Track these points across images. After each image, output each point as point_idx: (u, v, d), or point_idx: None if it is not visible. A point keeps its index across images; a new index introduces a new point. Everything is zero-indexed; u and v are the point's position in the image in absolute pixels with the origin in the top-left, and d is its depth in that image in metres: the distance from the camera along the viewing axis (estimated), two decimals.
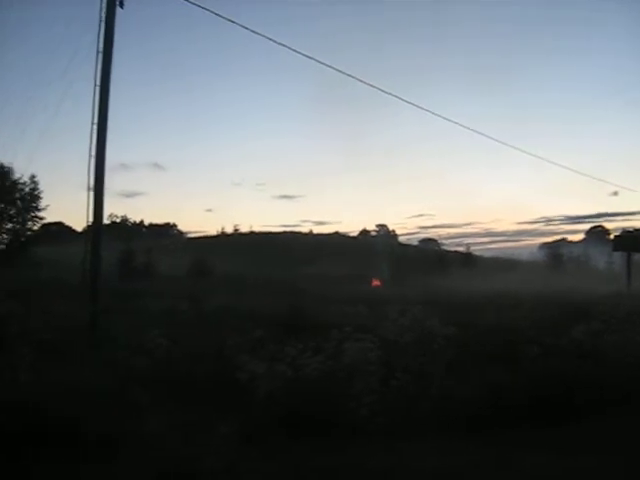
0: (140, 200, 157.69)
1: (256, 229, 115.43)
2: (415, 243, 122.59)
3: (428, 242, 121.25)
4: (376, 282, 52.65)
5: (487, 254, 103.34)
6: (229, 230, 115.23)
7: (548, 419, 8.62)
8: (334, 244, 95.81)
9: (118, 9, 15.03)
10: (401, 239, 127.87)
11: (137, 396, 9.25)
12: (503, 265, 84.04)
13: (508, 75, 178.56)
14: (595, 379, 9.71)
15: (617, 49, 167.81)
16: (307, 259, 73.45)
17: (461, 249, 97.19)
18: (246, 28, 16.54)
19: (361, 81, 19.83)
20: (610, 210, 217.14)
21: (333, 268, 62.81)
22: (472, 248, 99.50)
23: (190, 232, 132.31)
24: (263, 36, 16.84)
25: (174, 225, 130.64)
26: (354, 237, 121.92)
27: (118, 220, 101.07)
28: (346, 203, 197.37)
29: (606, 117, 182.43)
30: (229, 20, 16.11)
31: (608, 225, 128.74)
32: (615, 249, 54.18)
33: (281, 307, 20.08)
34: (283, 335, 12.63)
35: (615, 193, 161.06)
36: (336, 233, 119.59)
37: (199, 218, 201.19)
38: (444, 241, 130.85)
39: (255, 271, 51.87)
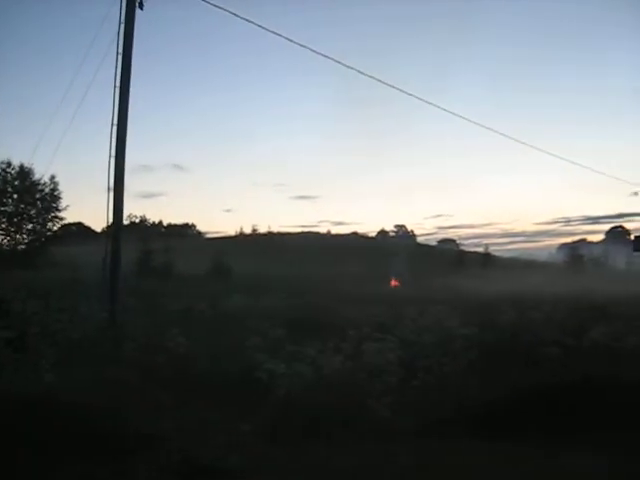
0: (160, 200, 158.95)
1: (274, 229, 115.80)
2: (434, 243, 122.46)
3: (447, 242, 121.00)
4: (395, 282, 52.54)
5: (506, 255, 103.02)
6: (247, 230, 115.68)
7: (568, 421, 8.57)
8: (352, 244, 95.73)
9: (138, 10, 15.08)
10: (420, 239, 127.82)
11: (158, 395, 9.31)
12: (522, 266, 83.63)
13: (529, 75, 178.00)
14: (617, 382, 9.63)
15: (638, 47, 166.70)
16: (325, 259, 73.41)
17: (480, 249, 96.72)
18: (265, 29, 16.57)
19: (381, 82, 19.80)
20: (630, 210, 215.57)
21: (351, 268, 62.71)
22: (491, 249, 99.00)
23: (209, 232, 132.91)
24: (283, 37, 16.87)
25: (193, 225, 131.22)
26: (372, 237, 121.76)
27: (137, 220, 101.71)
28: (364, 203, 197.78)
29: (627, 116, 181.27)
30: (247, 20, 16.16)
31: (628, 225, 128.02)
32: (635, 249, 53.54)
33: (300, 307, 20.10)
34: (302, 335, 12.64)
35: (635, 193, 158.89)
36: (354, 233, 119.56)
37: (218, 218, 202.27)
38: (463, 241, 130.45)
39: (273, 271, 51.91)
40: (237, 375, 10.32)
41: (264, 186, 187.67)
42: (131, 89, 15.33)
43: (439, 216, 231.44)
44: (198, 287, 33.15)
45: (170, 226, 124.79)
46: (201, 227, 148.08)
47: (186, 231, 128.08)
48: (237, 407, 9.26)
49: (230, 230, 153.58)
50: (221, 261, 54.08)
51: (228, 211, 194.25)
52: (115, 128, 15.14)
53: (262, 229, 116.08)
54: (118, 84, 15.14)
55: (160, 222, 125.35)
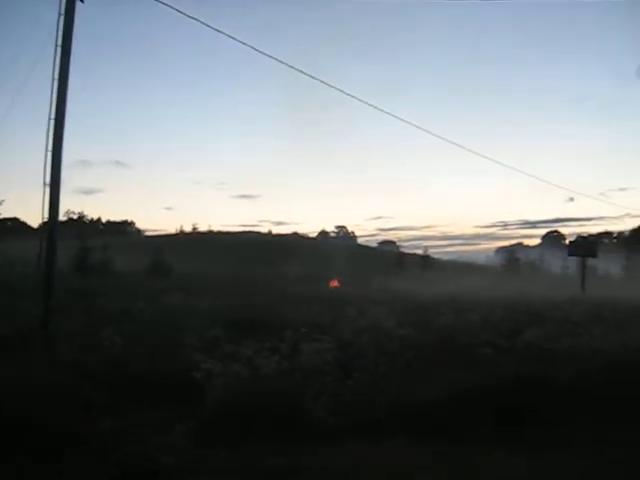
0: (99, 197, 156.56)
1: (215, 228, 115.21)
2: (374, 245, 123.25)
3: (387, 244, 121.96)
4: (334, 283, 52.67)
5: (445, 257, 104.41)
6: (188, 229, 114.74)
7: (505, 420, 8.72)
8: (293, 244, 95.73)
9: (78, 3, 14.80)
10: (360, 241, 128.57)
11: (92, 395, 9.16)
12: (460, 268, 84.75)
13: (472, 79, 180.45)
14: (549, 382, 9.84)
15: (582, 57, 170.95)
16: (266, 259, 73.30)
17: (419, 252, 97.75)
18: (208, 25, 16.42)
19: (322, 81, 19.83)
20: (566, 215, 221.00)
21: (291, 268, 62.68)
22: (430, 251, 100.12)
23: (148, 230, 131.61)
24: (225, 34, 16.74)
25: (132, 223, 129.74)
26: (313, 238, 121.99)
27: (75, 217, 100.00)
28: (305, 204, 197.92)
29: (565, 124, 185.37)
30: (192, 18, 15.98)
31: (564, 230, 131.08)
32: (570, 254, 54.82)
33: (239, 307, 20.01)
34: (240, 335, 12.60)
35: (571, 199, 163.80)
36: (295, 233, 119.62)
37: (158, 216, 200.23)
38: (403, 243, 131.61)
39: (213, 270, 51.59)
40: (173, 375, 10.22)
41: (205, 184, 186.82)
42: (71, 83, 15.04)
43: (380, 218, 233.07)
44: (136, 285, 32.70)
45: (109, 223, 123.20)
46: (141, 225, 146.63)
47: (125, 228, 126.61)
48: (173, 407, 9.18)
49: (170, 228, 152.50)
50: (160, 259, 53.46)
51: (168, 209, 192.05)
52: (52, 122, 14.83)
53: (202, 228, 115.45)
54: (57, 76, 14.82)
55: (99, 219, 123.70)
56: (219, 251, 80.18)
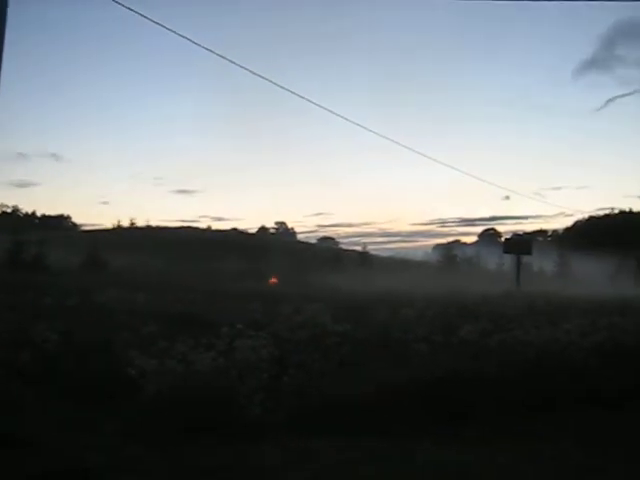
0: (34, 190, 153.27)
1: (153, 223, 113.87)
2: (313, 241, 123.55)
3: (326, 240, 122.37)
4: (273, 279, 52.69)
5: (383, 254, 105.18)
6: (125, 224, 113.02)
7: (439, 415, 8.82)
8: (232, 240, 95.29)
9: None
10: (300, 237, 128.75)
11: (21, 393, 8.96)
12: (398, 265, 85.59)
13: (413, 79, 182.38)
14: (482, 377, 9.99)
15: (519, 57, 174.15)
16: (204, 255, 72.83)
17: (358, 248, 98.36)
18: (145, 17, 16.13)
19: (259, 75, 19.72)
20: (502, 214, 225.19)
21: (230, 264, 62.47)
22: (369, 247, 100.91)
23: (85, 225, 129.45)
24: (165, 27, 16.48)
25: (68, 217, 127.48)
26: (253, 234, 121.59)
27: (9, 210, 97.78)
28: (246, 200, 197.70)
29: (502, 124, 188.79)
30: (130, 9, 15.67)
31: (500, 228, 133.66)
32: (505, 251, 55.98)
33: (175, 303, 19.85)
34: (175, 331, 12.48)
35: (507, 197, 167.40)
36: (234, 229, 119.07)
37: (95, 211, 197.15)
38: (342, 240, 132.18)
39: (150, 266, 51.06)
40: (107, 372, 10.06)
41: (143, 179, 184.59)
42: (6, 74, 14.64)
43: (319, 214, 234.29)
44: (71, 281, 32.17)
45: (44, 217, 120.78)
46: (77, 219, 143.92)
47: (61, 223, 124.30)
48: (105, 405, 9.05)
49: (107, 223, 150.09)
50: (96, 255, 52.70)
51: (105, 203, 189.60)
52: None
53: (140, 223, 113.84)
54: None
55: (34, 213, 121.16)
56: (157, 247, 79.33)
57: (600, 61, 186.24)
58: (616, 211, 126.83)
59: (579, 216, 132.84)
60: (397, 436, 8.09)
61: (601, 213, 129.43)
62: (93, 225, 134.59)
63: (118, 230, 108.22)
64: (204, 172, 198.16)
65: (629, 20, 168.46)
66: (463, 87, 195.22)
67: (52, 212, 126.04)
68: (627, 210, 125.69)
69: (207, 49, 16.91)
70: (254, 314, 17.05)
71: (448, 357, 11.13)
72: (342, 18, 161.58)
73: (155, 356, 9.18)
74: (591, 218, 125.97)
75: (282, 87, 19.80)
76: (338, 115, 23.49)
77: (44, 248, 49.19)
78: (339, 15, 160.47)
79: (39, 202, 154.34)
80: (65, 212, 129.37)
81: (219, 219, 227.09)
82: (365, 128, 28.33)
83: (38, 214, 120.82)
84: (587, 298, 27.39)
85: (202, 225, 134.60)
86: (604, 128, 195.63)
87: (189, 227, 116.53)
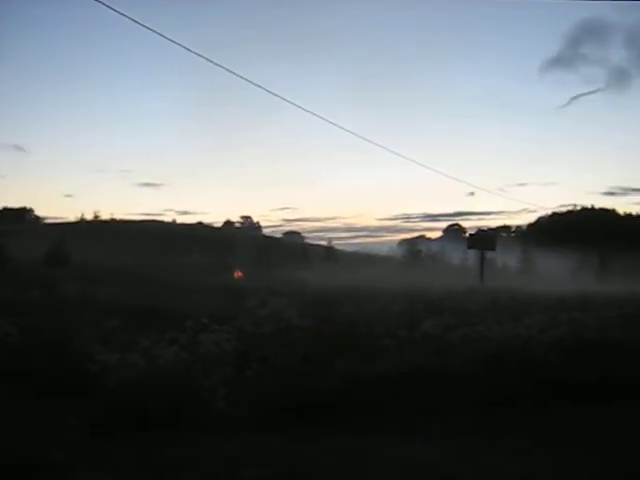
0: None
1: (118, 217, 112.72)
2: (279, 235, 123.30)
3: (292, 235, 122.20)
4: (239, 273, 52.54)
5: (349, 249, 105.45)
6: (89, 217, 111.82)
7: (402, 409, 8.88)
8: (197, 234, 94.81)
9: None
10: (265, 231, 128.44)
11: None
12: (363, 260, 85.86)
13: (379, 75, 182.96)
14: (445, 371, 10.07)
15: (485, 55, 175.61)
16: (169, 248, 72.39)
17: (324, 243, 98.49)
18: (110, 8, 15.98)
19: (228, 70, 19.62)
20: (467, 210, 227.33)
21: (195, 258, 62.21)
22: (334, 242, 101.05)
23: (48, 218, 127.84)
24: (130, 18, 16.32)
25: (31, 210, 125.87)
26: (218, 228, 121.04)
27: None
28: (211, 194, 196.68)
29: (466, 121, 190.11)
30: (97, 1, 15.49)
31: (464, 224, 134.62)
32: (470, 247, 56.37)
33: (139, 297, 19.71)
34: (139, 325, 12.41)
35: (472, 193, 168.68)
36: (200, 223, 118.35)
37: (58, 203, 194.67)
38: (307, 234, 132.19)
39: (114, 259, 50.63)
40: (68, 367, 9.96)
41: (107, 172, 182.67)
42: None
43: (285, 209, 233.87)
44: (33, 274, 31.77)
45: (6, 210, 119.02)
46: (40, 212, 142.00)
47: (24, 215, 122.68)
48: (66, 401, 8.97)
49: (71, 216, 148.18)
50: (59, 248, 52.09)
51: (69, 196, 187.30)
52: None
53: (105, 216, 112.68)
54: None
55: None
56: (121, 240, 78.64)
57: (565, 59, 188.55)
58: (579, 208, 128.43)
59: (542, 212, 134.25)
60: (360, 431, 8.13)
61: (564, 210, 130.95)
62: (57, 218, 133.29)
63: (82, 223, 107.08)
64: (170, 166, 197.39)
65: (593, 19, 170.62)
66: (430, 85, 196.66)
67: (15, 205, 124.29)
68: (590, 207, 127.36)
69: (182, 46, 16.81)
70: (218, 308, 17.01)
71: (412, 352, 11.18)
72: (316, 18, 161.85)
73: (118, 350, 9.11)
74: (554, 214, 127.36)
75: (250, 82, 19.76)
76: (305, 110, 23.52)
77: (6, 241, 48.53)
78: (313, 15, 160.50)
79: (1, 194, 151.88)
80: (28, 205, 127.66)
81: (185, 213, 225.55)
82: (333, 123, 28.40)
83: (0, 207, 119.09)
84: (549, 294, 27.69)
85: (167, 219, 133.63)
86: (568, 125, 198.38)
87: (154, 220, 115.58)
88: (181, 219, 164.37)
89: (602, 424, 8.64)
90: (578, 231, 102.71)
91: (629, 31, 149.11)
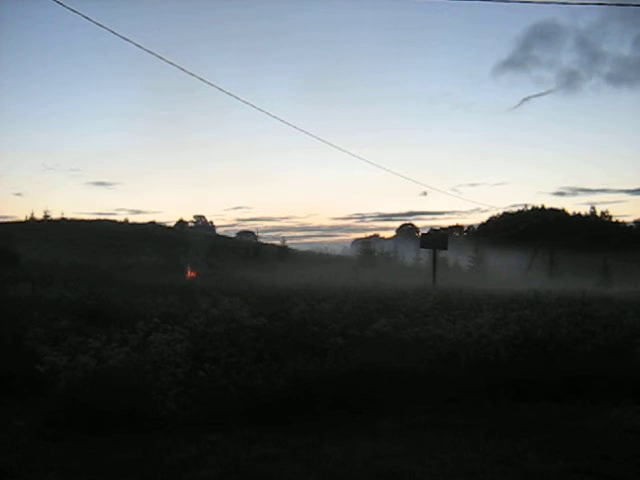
0: None
1: (69, 216, 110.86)
2: (233, 235, 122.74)
3: (245, 234, 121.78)
4: (191, 273, 52.25)
5: (302, 248, 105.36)
6: (39, 216, 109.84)
7: (352, 407, 8.93)
8: (150, 234, 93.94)
9: None
10: (219, 231, 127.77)
11: None
12: (317, 259, 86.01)
13: (332, 76, 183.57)
14: (395, 370, 10.16)
15: (439, 57, 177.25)
16: (121, 248, 71.59)
17: (277, 242, 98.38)
18: (61, 4, 15.75)
19: (181, 68, 19.51)
20: (420, 209, 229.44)
21: (148, 258, 61.65)
22: (288, 241, 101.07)
23: None
24: (80, 14, 16.10)
25: None
26: (171, 227, 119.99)
27: None
28: (164, 193, 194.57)
29: (420, 121, 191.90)
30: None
31: (417, 223, 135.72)
32: (422, 246, 56.72)
33: (90, 297, 19.45)
34: (89, 326, 12.27)
35: (425, 193, 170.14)
36: (152, 222, 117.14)
37: (7, 202, 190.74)
38: (261, 234, 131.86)
39: (65, 259, 49.89)
40: (16, 368, 9.81)
41: (58, 170, 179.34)
42: None
43: (239, 208, 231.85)
44: None
45: None
46: None
47: None
48: (14, 403, 8.86)
49: (20, 215, 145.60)
50: (7, 247, 51.15)
51: (18, 195, 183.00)
52: None
53: (55, 215, 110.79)
54: None
55: None
56: (72, 239, 77.47)
57: (518, 61, 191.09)
58: (529, 208, 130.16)
59: (494, 212, 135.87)
60: (311, 430, 8.18)
61: (515, 209, 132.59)
62: (5, 217, 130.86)
63: (32, 222, 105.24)
64: (123, 165, 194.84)
65: (544, 22, 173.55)
66: (384, 84, 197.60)
67: None
68: (540, 207, 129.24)
69: (134, 43, 16.64)
70: (170, 308, 16.91)
71: (363, 351, 11.25)
72: (268, 16, 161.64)
73: (67, 352, 9.01)
74: (505, 214, 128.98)
75: (204, 80, 19.67)
76: (259, 109, 23.51)
77: None
78: (266, 13, 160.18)
79: None
80: None
81: (137, 212, 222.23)
82: (286, 122, 28.43)
83: None
84: (500, 292, 28.06)
85: (119, 218, 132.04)
86: (520, 126, 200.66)
87: (106, 220, 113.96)
88: (133, 218, 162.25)
89: (551, 420, 8.80)
90: (529, 230, 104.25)
91: (579, 34, 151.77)
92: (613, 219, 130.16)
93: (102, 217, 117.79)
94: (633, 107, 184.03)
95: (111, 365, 8.83)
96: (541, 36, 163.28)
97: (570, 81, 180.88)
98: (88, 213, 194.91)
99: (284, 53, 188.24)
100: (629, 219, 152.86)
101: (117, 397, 8.26)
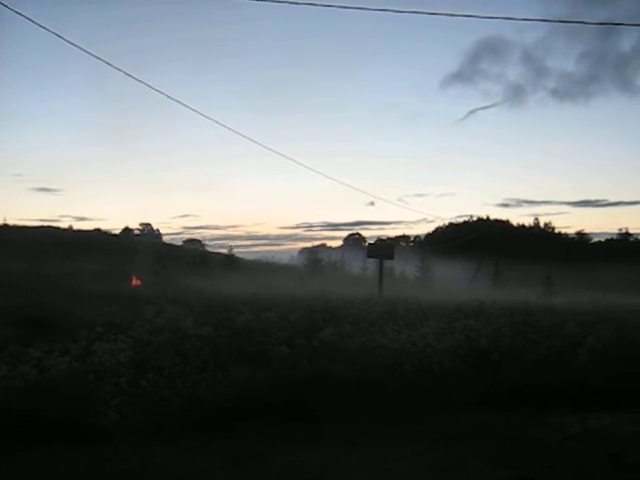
0: None
1: (10, 222, 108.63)
2: (179, 243, 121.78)
3: (192, 242, 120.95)
4: (137, 281, 51.63)
5: (249, 257, 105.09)
6: None
7: (295, 417, 8.92)
8: (95, 241, 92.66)
9: None
10: (165, 239, 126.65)
11: None
12: (264, 268, 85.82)
13: (280, 84, 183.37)
14: (339, 379, 10.18)
15: (389, 68, 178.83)
16: (65, 255, 70.37)
17: (224, 251, 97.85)
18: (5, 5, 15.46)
19: (129, 75, 19.36)
20: (367, 219, 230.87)
21: (92, 266, 60.74)
22: (235, 250, 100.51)
23: None
24: (25, 17, 15.83)
25: None
26: (116, 235, 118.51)
27: None
28: (110, 201, 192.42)
29: (368, 130, 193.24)
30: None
31: (364, 233, 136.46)
32: (369, 256, 56.98)
33: (31, 305, 19.13)
34: (30, 335, 12.05)
35: (372, 203, 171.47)
36: (97, 230, 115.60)
37: None
38: (208, 242, 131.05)
39: (5, 266, 48.81)
40: None
41: (1, 175, 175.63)
42: None
43: (186, 216, 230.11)
44: None
45: None
46: None
47: None
48: None
49: None
50: None
51: None
52: None
53: None
54: None
55: None
56: (13, 246, 75.91)
57: (465, 74, 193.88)
58: (475, 218, 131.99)
59: (440, 223, 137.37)
60: (256, 439, 8.14)
61: (461, 220, 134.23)
62: None
63: None
64: (68, 171, 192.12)
65: (491, 37, 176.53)
66: (332, 93, 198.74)
67: None
68: (485, 218, 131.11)
69: (81, 48, 16.44)
70: (114, 317, 16.70)
71: (309, 360, 11.27)
72: (218, 24, 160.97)
73: (7, 362, 8.84)
74: (451, 225, 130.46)
75: (152, 87, 19.53)
76: (207, 117, 23.39)
77: None
78: (215, 21, 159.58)
79: None
80: None
81: (82, 219, 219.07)
82: (234, 131, 28.43)
83: None
84: (446, 302, 28.30)
85: (63, 224, 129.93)
86: (466, 138, 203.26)
87: (49, 226, 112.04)
88: (78, 225, 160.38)
89: (496, 428, 8.89)
90: (474, 241, 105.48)
91: (525, 49, 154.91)
92: (556, 230, 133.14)
93: (46, 224, 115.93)
94: (576, 122, 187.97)
95: (52, 375, 8.69)
96: (489, 50, 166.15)
97: (516, 95, 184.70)
98: (31, 219, 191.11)
99: (234, 62, 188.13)
100: (571, 230, 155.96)
101: (58, 408, 8.12)
